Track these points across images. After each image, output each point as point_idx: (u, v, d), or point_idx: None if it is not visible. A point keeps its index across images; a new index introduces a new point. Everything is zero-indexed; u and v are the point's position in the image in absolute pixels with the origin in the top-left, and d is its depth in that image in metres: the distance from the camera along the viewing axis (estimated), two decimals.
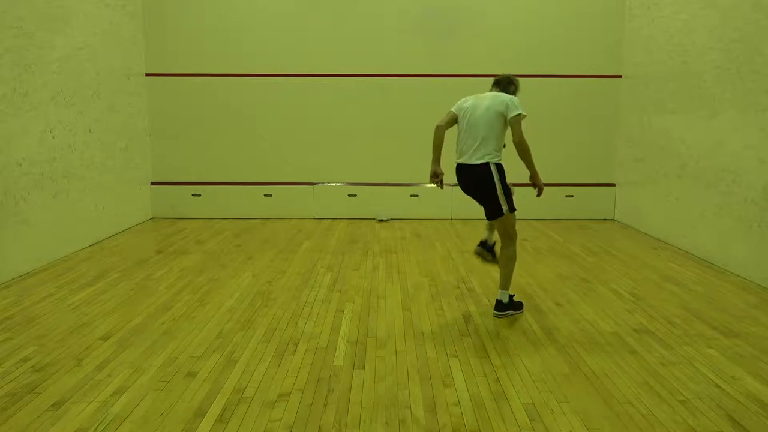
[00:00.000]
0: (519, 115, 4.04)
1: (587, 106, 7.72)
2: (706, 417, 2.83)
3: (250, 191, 7.82)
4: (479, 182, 4.12)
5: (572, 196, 7.83)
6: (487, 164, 4.07)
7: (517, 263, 5.59)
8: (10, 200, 5.00)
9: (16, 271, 5.05)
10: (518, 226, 7.15)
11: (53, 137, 5.58)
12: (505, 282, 4.19)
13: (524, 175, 4.23)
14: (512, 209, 4.17)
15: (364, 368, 3.34)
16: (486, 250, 4.57)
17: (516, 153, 4.08)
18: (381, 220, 7.69)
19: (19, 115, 5.10)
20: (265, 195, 7.82)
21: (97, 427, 2.71)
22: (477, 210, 7.85)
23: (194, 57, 7.63)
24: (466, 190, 4.28)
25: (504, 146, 4.20)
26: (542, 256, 5.91)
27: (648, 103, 6.91)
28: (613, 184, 7.81)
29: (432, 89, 7.61)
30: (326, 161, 7.80)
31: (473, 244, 6.39)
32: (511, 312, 4.22)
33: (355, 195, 7.81)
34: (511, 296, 4.24)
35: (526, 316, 4.19)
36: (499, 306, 4.18)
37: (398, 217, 7.80)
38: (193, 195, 7.81)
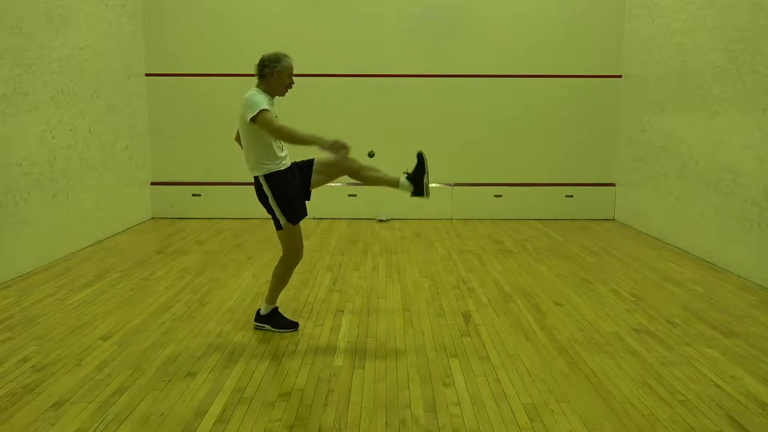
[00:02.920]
0: (259, 112, 3.54)
1: (587, 106, 7.72)
2: (706, 417, 2.83)
3: (250, 191, 7.73)
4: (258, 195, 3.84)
5: (572, 196, 7.83)
6: (256, 178, 3.77)
7: (517, 263, 5.63)
8: (10, 200, 5.00)
9: (16, 271, 5.05)
10: (519, 225, 7.08)
11: (53, 137, 5.58)
12: (271, 294, 3.90)
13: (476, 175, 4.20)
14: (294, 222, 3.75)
15: (364, 368, 3.34)
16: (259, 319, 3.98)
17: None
18: (381, 220, 7.69)
19: (19, 115, 5.10)
20: None
21: (97, 427, 2.71)
22: (477, 210, 7.90)
23: (194, 57, 7.62)
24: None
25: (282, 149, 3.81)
26: (542, 256, 5.91)
27: (648, 103, 6.91)
28: (613, 184, 7.81)
29: (432, 89, 7.61)
30: None
31: (473, 244, 6.40)
32: (267, 327, 3.90)
33: (355, 195, 7.81)
34: (275, 309, 3.93)
35: (527, 317, 4.19)
36: (257, 316, 3.95)
37: (398, 217, 7.80)
38: (193, 195, 7.80)
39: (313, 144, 3.59)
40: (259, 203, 3.91)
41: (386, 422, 2.77)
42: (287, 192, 3.74)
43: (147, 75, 7.58)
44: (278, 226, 3.78)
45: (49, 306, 4.34)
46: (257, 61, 3.89)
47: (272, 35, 7.58)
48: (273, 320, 3.91)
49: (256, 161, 3.77)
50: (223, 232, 6.96)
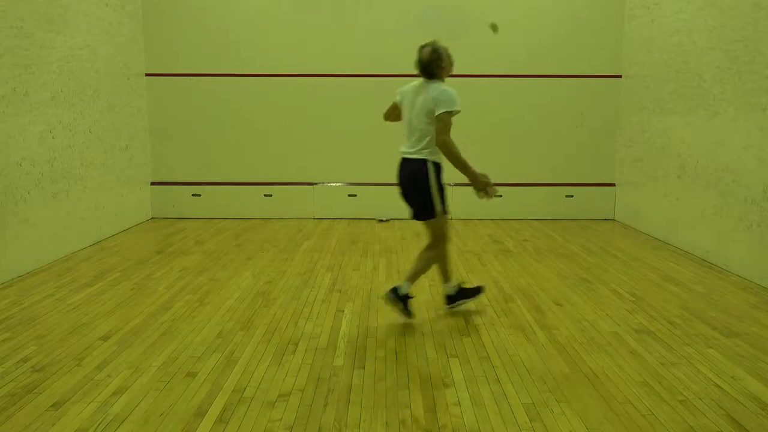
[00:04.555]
0: (447, 112, 3.77)
1: (587, 106, 7.72)
2: (706, 417, 2.83)
3: (250, 191, 7.82)
4: (410, 177, 3.98)
5: (572, 196, 7.83)
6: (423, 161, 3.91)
7: (517, 263, 5.63)
8: (10, 200, 5.00)
9: (16, 271, 5.05)
10: (519, 225, 7.09)
11: (53, 137, 5.58)
12: (413, 276, 4.04)
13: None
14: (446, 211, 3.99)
15: (364, 368, 3.34)
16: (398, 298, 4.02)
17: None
18: (381, 220, 7.69)
19: (19, 115, 5.10)
20: (265, 195, 7.81)
21: (97, 427, 2.71)
22: (477, 210, 7.90)
23: (194, 57, 7.62)
24: (400, 186, 4.08)
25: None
26: (542, 256, 5.91)
27: (648, 103, 6.90)
28: (613, 184, 7.81)
29: None
30: (326, 161, 7.80)
31: (473, 244, 6.40)
32: (464, 301, 4.27)
33: (355, 195, 7.81)
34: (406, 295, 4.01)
35: (526, 317, 4.19)
36: (394, 291, 3.97)
37: (398, 217, 7.80)
38: (193, 195, 7.80)
39: (466, 174, 3.89)
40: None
41: (386, 422, 2.77)
42: (443, 183, 3.96)
43: (147, 75, 7.58)
44: (429, 215, 3.94)
45: (49, 306, 4.34)
46: (421, 57, 3.89)
47: (272, 35, 7.58)
48: (462, 294, 4.23)
49: (428, 147, 3.89)
50: (223, 232, 6.96)
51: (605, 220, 7.80)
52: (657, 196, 6.69)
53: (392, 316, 4.19)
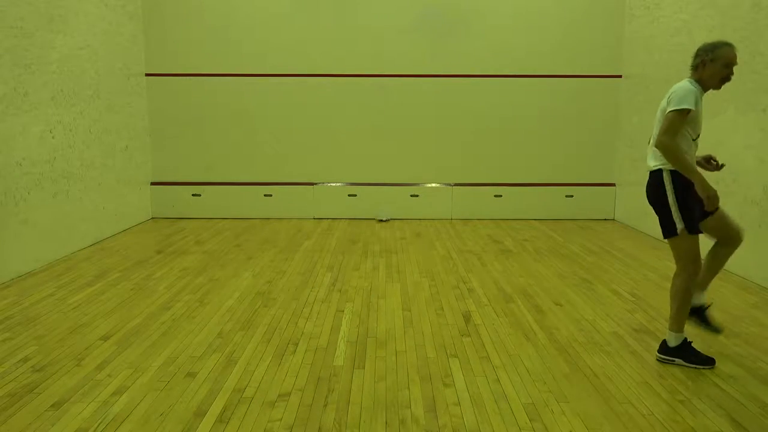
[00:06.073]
0: (674, 111, 3.23)
1: (587, 106, 7.72)
2: (706, 417, 2.83)
3: (250, 191, 7.82)
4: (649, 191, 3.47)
5: (572, 196, 7.83)
6: (659, 171, 3.37)
7: (517, 263, 5.63)
8: (10, 200, 5.00)
9: (16, 271, 5.05)
10: (519, 225, 7.07)
11: (53, 137, 5.58)
12: (673, 321, 3.40)
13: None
14: (692, 230, 3.31)
15: (364, 368, 3.34)
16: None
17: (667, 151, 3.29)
18: (381, 220, 7.69)
19: (19, 115, 5.10)
20: (265, 195, 7.82)
21: (97, 427, 2.71)
22: (477, 210, 7.91)
23: (194, 57, 7.63)
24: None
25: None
26: (542, 256, 5.91)
27: (648, 103, 6.90)
28: (613, 184, 7.81)
29: (432, 89, 7.60)
30: (326, 161, 7.80)
31: (473, 244, 6.41)
32: (678, 360, 3.39)
33: (355, 195, 7.81)
34: (685, 341, 3.40)
35: (527, 317, 4.19)
36: (662, 347, 3.46)
37: (398, 217, 7.80)
38: (193, 195, 7.80)
39: (691, 178, 3.24)
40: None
41: (386, 422, 2.77)
42: (690, 195, 3.29)
43: (147, 75, 7.58)
44: (671, 232, 3.34)
45: (49, 306, 4.34)
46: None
47: (272, 35, 7.58)
48: (683, 353, 3.40)
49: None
50: (223, 232, 6.96)
51: (605, 220, 7.81)
52: None
53: (392, 316, 4.19)
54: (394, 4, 7.58)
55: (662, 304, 4.46)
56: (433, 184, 7.81)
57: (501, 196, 7.84)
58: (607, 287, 4.88)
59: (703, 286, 3.63)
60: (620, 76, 7.62)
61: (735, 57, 3.33)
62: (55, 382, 3.14)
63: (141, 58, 7.46)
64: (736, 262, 5.26)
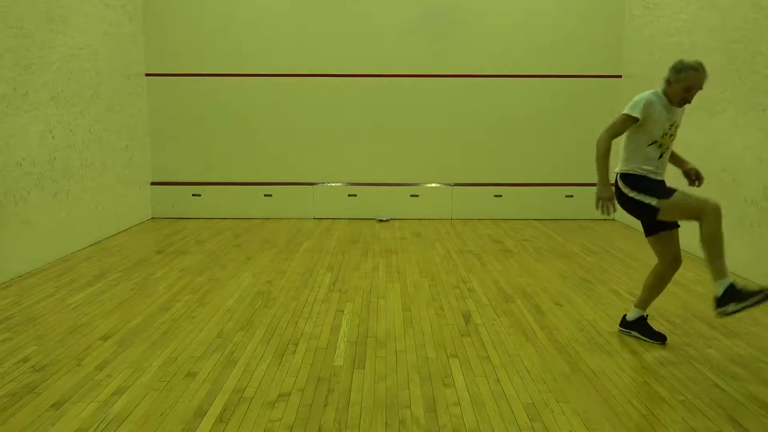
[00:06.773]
0: (622, 113, 3.53)
1: (587, 106, 7.72)
2: (706, 417, 2.83)
3: (250, 191, 7.82)
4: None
5: (572, 196, 7.83)
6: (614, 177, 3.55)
7: (517, 263, 5.63)
8: (10, 200, 5.00)
9: (16, 271, 5.05)
10: (519, 225, 7.07)
11: (53, 137, 5.58)
12: (714, 268, 3.29)
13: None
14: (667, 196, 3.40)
15: (364, 368, 3.34)
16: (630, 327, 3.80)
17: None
18: (381, 220, 7.69)
19: (19, 115, 5.10)
20: (265, 195, 7.82)
21: (97, 427, 2.71)
22: (477, 210, 7.90)
23: (194, 57, 7.63)
24: None
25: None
26: (542, 256, 5.91)
27: None
28: (613, 184, 7.80)
29: (432, 89, 7.61)
30: (326, 161, 7.80)
31: (473, 244, 6.41)
32: (634, 333, 3.72)
33: (355, 195, 7.81)
34: (731, 286, 3.23)
35: (527, 317, 4.19)
36: (718, 300, 3.32)
37: (398, 217, 7.80)
38: (193, 195, 7.81)
39: (596, 174, 3.59)
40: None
41: (386, 422, 2.77)
42: (646, 182, 3.50)
43: (147, 75, 7.58)
44: (654, 214, 3.41)
45: (49, 306, 4.34)
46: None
47: (272, 35, 7.59)
48: (640, 327, 3.72)
49: (623, 158, 3.65)
50: (223, 232, 6.96)
51: (605, 220, 7.80)
52: None
53: (392, 316, 4.19)
54: (394, 4, 7.58)
55: (662, 303, 4.46)
56: (433, 184, 7.81)
57: (501, 196, 7.84)
58: (607, 287, 4.88)
59: (644, 305, 3.76)
60: (620, 76, 7.62)
61: (699, 82, 3.43)
62: (55, 382, 3.14)
63: (141, 58, 7.46)
64: (736, 262, 5.27)
